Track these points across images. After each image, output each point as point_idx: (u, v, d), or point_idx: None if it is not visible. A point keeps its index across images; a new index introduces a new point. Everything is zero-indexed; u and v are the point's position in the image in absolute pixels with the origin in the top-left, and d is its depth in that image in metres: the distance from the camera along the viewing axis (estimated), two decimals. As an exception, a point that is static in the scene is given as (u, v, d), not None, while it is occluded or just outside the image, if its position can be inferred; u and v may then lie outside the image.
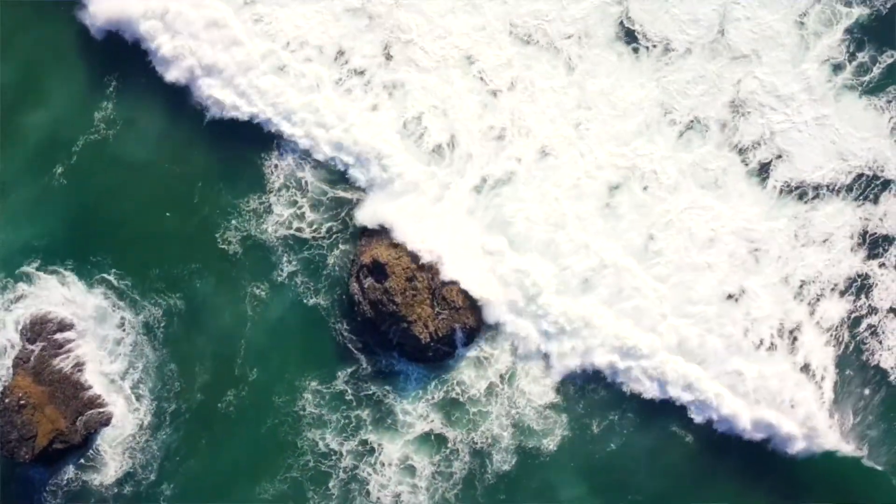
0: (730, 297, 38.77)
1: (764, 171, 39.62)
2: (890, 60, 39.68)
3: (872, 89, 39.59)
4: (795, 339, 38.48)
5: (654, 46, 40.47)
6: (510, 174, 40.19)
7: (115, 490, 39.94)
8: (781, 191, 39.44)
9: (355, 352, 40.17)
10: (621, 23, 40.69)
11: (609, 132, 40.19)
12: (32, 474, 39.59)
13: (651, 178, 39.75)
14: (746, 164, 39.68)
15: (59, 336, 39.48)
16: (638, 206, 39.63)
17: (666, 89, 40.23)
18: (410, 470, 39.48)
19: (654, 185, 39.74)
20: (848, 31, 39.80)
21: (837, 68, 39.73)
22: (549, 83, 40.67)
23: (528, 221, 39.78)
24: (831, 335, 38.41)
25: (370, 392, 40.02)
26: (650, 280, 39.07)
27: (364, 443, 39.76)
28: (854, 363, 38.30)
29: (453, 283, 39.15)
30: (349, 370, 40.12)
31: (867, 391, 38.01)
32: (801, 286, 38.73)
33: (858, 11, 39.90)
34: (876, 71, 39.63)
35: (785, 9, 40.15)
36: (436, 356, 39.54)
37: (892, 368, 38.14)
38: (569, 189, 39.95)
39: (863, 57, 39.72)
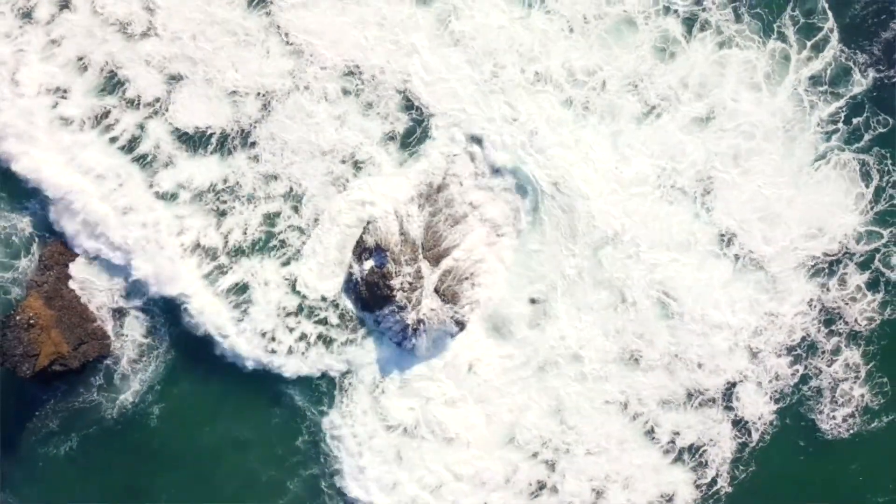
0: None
1: (729, 241, 40.68)
2: (883, 129, 40.53)
3: (861, 150, 40.62)
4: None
5: (654, 107, 41.10)
6: None
7: (111, 413, 40.95)
8: (740, 259, 40.57)
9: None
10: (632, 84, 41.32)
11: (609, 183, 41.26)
12: (29, 390, 40.66)
13: (630, 239, 40.77)
14: (717, 231, 40.71)
15: (72, 266, 40.57)
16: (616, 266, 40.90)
17: (655, 153, 41.04)
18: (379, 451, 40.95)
19: (632, 247, 40.77)
20: (845, 103, 40.75)
21: (828, 136, 40.58)
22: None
23: None
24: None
25: (346, 367, 41.07)
26: None
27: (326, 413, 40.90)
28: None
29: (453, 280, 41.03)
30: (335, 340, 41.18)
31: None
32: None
33: (860, 79, 40.75)
34: (867, 137, 40.47)
35: (783, 84, 40.90)
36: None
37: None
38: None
39: (857, 122, 40.61)
